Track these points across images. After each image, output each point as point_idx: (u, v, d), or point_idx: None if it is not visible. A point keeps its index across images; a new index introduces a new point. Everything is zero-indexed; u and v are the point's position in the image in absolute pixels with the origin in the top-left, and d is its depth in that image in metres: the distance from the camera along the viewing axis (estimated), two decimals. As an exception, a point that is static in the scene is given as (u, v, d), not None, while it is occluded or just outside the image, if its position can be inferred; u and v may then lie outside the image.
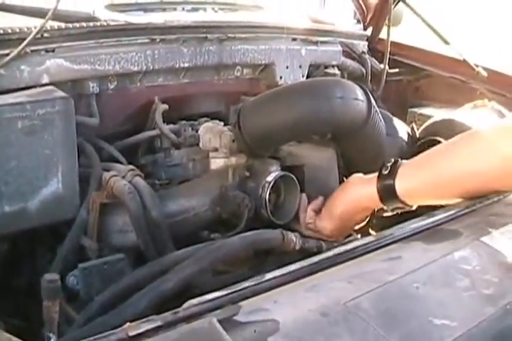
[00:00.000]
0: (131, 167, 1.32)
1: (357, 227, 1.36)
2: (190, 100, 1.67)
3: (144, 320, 0.62)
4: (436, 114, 1.88)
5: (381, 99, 2.17)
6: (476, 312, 0.71)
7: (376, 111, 1.36)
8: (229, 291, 0.68)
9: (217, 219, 1.31)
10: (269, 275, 0.72)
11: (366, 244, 0.84)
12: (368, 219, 1.33)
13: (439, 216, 0.98)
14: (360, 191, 1.22)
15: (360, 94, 1.32)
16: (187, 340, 0.58)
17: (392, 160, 1.18)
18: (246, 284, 0.70)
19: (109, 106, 1.49)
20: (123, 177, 1.27)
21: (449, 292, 0.74)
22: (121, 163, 1.40)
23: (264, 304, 0.66)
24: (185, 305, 0.65)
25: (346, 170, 1.47)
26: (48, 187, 1.22)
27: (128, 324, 0.62)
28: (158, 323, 0.60)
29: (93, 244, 1.25)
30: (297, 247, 1.19)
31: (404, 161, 1.18)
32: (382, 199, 1.17)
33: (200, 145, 1.42)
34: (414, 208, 1.21)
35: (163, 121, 1.51)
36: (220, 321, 0.60)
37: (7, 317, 1.16)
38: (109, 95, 1.48)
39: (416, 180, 1.15)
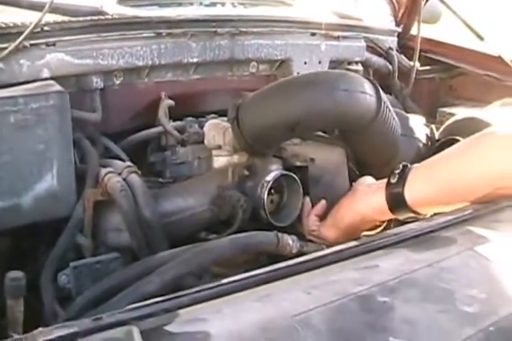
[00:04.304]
0: (128, 164, 1.28)
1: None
2: (203, 97, 1.63)
3: (59, 325, 0.57)
4: (468, 113, 1.78)
5: (412, 97, 2.09)
6: (449, 334, 0.63)
7: (387, 107, 1.28)
8: (168, 298, 0.62)
9: (216, 220, 1.25)
10: (220, 282, 0.66)
11: (343, 250, 0.77)
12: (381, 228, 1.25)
13: (436, 221, 0.90)
14: (368, 202, 1.14)
15: (368, 87, 1.24)
16: (95, 351, 0.53)
17: (401, 166, 1.10)
18: (190, 291, 0.64)
19: (116, 101, 1.46)
20: (119, 174, 1.24)
21: (421, 308, 0.66)
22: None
23: (204, 314, 0.60)
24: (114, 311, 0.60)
25: (358, 172, 1.39)
26: (42, 184, 1.19)
27: (40, 329, 0.57)
28: (75, 329, 0.56)
29: (88, 242, 1.22)
30: (294, 251, 1.13)
31: (414, 166, 1.10)
32: (392, 210, 1.09)
33: (205, 142, 1.38)
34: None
35: (172, 119, 1.48)
36: (146, 330, 0.55)
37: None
38: (116, 91, 1.45)
39: (426, 187, 1.06)
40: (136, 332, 0.54)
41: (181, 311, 0.61)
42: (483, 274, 0.77)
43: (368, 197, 1.14)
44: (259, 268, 0.72)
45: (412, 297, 0.68)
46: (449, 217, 0.92)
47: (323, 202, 1.24)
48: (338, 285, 0.68)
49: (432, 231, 0.87)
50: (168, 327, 0.57)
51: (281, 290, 0.66)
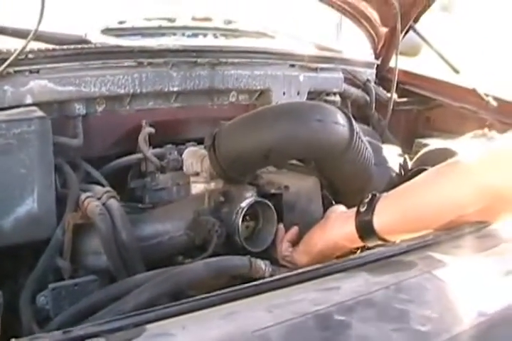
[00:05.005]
0: (107, 189, 1.31)
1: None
2: (183, 125, 1.67)
3: (32, 337, 0.60)
4: (441, 144, 1.84)
5: (390, 128, 2.14)
6: (403, 352, 0.66)
7: (360, 137, 1.32)
8: (137, 313, 0.65)
9: (192, 244, 1.28)
10: (187, 299, 0.69)
11: (306, 272, 0.80)
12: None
13: (398, 246, 0.94)
14: (339, 230, 1.16)
15: (340, 118, 1.29)
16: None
17: (370, 195, 1.13)
18: (159, 307, 0.67)
19: (98, 128, 1.49)
20: (98, 198, 1.27)
21: (377, 326, 0.69)
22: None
23: (171, 329, 0.63)
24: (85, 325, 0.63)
25: (333, 200, 1.43)
26: (23, 206, 1.22)
27: (12, 340, 0.60)
28: (46, 341, 0.59)
29: (67, 264, 1.25)
30: (266, 275, 1.16)
31: (382, 195, 1.13)
32: (361, 238, 1.11)
33: (184, 169, 1.42)
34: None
35: (153, 145, 1.51)
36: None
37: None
38: (98, 117, 1.49)
39: (393, 215, 1.09)
40: (102, 345, 0.57)
41: (149, 326, 0.64)
42: (438, 296, 0.80)
43: (339, 225, 1.17)
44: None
45: (369, 316, 0.71)
46: (411, 243, 0.96)
47: (295, 227, 1.28)
48: (299, 305, 0.71)
49: (392, 256, 0.90)
50: (135, 341, 0.60)
51: (244, 308, 0.69)
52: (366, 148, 1.36)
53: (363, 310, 0.72)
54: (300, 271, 0.82)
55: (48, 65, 1.37)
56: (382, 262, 0.88)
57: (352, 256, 0.92)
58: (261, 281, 0.78)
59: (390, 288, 0.79)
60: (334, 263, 0.85)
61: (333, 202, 1.41)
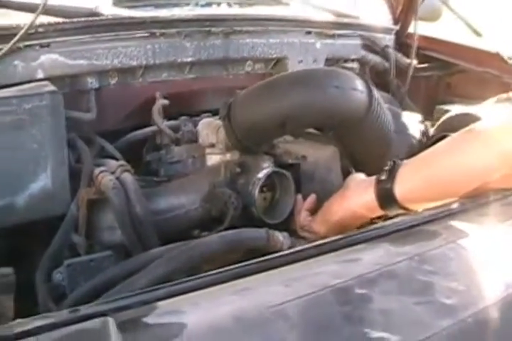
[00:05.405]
0: (121, 162, 1.29)
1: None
2: (198, 96, 1.63)
3: (38, 316, 0.58)
4: (463, 110, 1.78)
5: (409, 95, 2.09)
6: (428, 325, 0.63)
7: (379, 104, 1.28)
8: (146, 290, 0.63)
9: (208, 217, 1.26)
10: (198, 275, 0.67)
11: (325, 244, 0.77)
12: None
13: (421, 215, 0.90)
14: (358, 199, 1.14)
15: (359, 84, 1.24)
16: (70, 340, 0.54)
17: (391, 162, 1.10)
18: (168, 284, 0.65)
19: (111, 101, 1.47)
20: (112, 172, 1.25)
21: (400, 300, 0.66)
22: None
23: (182, 306, 0.61)
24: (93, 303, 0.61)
25: (353, 169, 1.39)
26: (37, 183, 1.21)
27: (18, 320, 0.58)
28: (52, 320, 0.56)
29: (82, 240, 1.23)
30: (284, 247, 1.13)
31: (403, 162, 1.10)
32: (382, 207, 1.09)
33: (199, 141, 1.39)
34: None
35: (167, 118, 1.48)
36: (122, 322, 0.56)
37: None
38: (111, 91, 1.46)
39: (415, 183, 1.06)
40: (112, 323, 0.55)
41: (159, 303, 0.61)
42: (464, 267, 0.77)
43: (359, 194, 1.14)
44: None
45: (391, 289, 0.69)
46: (434, 212, 0.92)
47: (313, 196, 1.25)
48: (317, 278, 0.68)
49: (415, 225, 0.87)
50: (145, 319, 0.58)
51: (259, 283, 0.67)
52: (386, 115, 1.32)
53: (385, 283, 0.70)
54: (319, 242, 0.79)
55: (59, 39, 1.34)
56: (404, 232, 0.85)
57: (373, 226, 0.89)
58: (277, 254, 0.75)
59: (414, 259, 0.75)
60: (354, 234, 0.82)
61: (353, 171, 1.37)
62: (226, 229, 1.17)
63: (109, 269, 1.13)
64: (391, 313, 0.64)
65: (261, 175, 1.22)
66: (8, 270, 0.83)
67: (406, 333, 0.61)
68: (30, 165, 1.19)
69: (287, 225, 1.26)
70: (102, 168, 1.25)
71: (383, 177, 1.08)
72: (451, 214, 0.92)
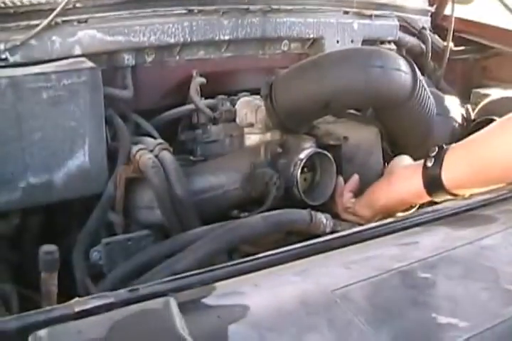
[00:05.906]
0: (160, 141, 1.27)
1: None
2: (234, 75, 1.60)
3: (95, 295, 0.57)
4: (502, 94, 1.74)
5: (445, 78, 2.05)
6: (494, 312, 0.61)
7: (423, 85, 1.25)
8: (205, 270, 0.61)
9: (248, 198, 1.24)
10: (256, 256, 0.65)
11: (380, 226, 0.75)
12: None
13: (474, 199, 0.88)
14: (404, 186, 1.12)
15: (403, 64, 1.21)
16: (133, 320, 0.52)
17: (436, 148, 1.07)
18: (226, 264, 0.63)
19: (148, 79, 1.45)
20: (151, 151, 1.23)
21: (465, 285, 0.64)
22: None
23: (242, 287, 0.59)
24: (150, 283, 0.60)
25: (392, 152, 1.36)
26: (74, 160, 1.19)
27: (76, 298, 0.57)
28: (111, 300, 0.55)
29: (119, 219, 1.22)
30: (327, 230, 1.11)
31: (450, 147, 1.07)
32: (429, 193, 1.07)
33: (237, 120, 1.37)
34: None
35: (204, 97, 1.46)
36: (183, 303, 0.54)
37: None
38: (147, 68, 1.44)
39: (463, 169, 1.04)
40: (173, 303, 0.53)
41: (218, 284, 0.60)
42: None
43: (405, 180, 1.12)
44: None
45: (454, 274, 0.66)
46: (487, 196, 0.90)
47: (355, 177, 1.23)
48: (378, 261, 0.66)
49: (470, 209, 0.84)
50: (205, 300, 0.56)
51: (318, 265, 0.65)
52: (429, 97, 1.30)
53: (447, 267, 0.67)
54: (374, 224, 0.77)
55: (97, 15, 1.32)
56: (460, 216, 0.83)
57: (426, 209, 0.86)
58: (333, 236, 0.73)
59: (474, 243, 0.73)
60: (410, 217, 0.79)
61: (392, 155, 1.35)
62: (266, 210, 1.15)
63: (149, 249, 1.12)
64: (457, 299, 0.62)
65: (303, 155, 1.19)
66: (52, 247, 0.81)
67: (474, 320, 0.59)
68: (68, 142, 1.17)
69: (328, 208, 1.23)
70: (140, 146, 1.23)
71: (430, 164, 1.06)
72: (505, 199, 0.89)
